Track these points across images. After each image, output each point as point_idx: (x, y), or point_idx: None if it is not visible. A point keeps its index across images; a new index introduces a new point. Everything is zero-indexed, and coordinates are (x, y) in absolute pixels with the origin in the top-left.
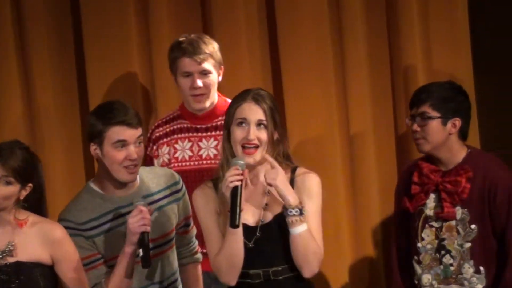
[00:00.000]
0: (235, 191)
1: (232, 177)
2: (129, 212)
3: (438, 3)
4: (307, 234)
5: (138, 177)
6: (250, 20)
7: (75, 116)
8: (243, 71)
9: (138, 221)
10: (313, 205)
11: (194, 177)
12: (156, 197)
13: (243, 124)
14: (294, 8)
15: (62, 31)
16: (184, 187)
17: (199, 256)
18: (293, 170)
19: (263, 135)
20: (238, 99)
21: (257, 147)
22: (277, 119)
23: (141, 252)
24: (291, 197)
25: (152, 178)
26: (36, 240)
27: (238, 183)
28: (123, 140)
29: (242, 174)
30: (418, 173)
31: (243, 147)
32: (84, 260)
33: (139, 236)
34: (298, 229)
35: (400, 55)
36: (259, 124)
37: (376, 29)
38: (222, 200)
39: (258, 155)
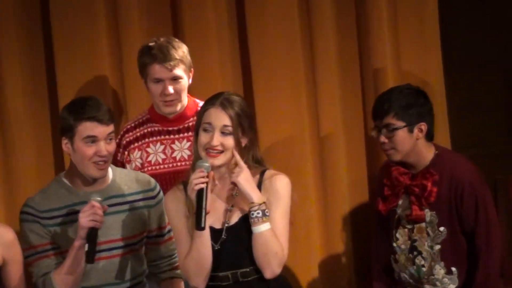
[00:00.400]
0: (200, 193)
1: (197, 180)
2: None
3: (407, 3)
4: (269, 233)
5: (110, 176)
6: (220, 22)
7: (45, 119)
8: (213, 73)
9: (89, 216)
10: (280, 207)
11: (169, 179)
12: (125, 199)
13: (208, 129)
14: (264, 9)
15: (31, 34)
16: (160, 196)
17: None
18: (262, 173)
19: (228, 141)
20: (207, 103)
21: (221, 152)
22: (245, 125)
23: (86, 247)
24: (254, 195)
25: (126, 180)
26: None
27: (203, 186)
28: (93, 136)
29: (207, 177)
30: (388, 176)
31: (207, 151)
32: (38, 247)
33: (87, 231)
34: (260, 228)
35: (369, 56)
36: (223, 130)
37: (345, 30)
38: (190, 203)
39: (221, 159)
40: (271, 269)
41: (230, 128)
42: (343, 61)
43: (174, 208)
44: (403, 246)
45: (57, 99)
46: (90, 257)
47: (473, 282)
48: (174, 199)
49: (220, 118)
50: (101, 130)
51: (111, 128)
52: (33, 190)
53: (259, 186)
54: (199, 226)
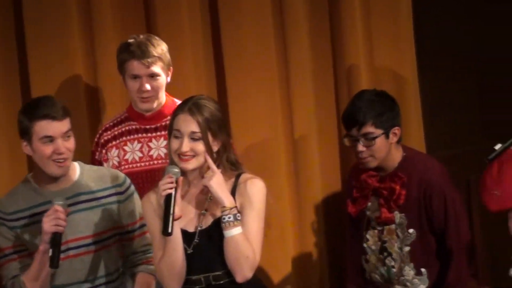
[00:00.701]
0: (168, 199)
1: (164, 185)
2: None
3: (381, 2)
4: (241, 237)
5: (77, 173)
6: (194, 23)
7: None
8: (187, 74)
9: (51, 220)
10: (253, 211)
11: (146, 177)
12: (93, 196)
13: (178, 136)
14: (238, 10)
15: (4, 35)
16: (130, 191)
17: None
18: (238, 176)
19: (198, 146)
20: (177, 109)
21: (193, 156)
22: (215, 129)
23: (50, 251)
24: (226, 199)
25: (94, 177)
26: None
27: (171, 191)
28: (49, 136)
29: (176, 182)
30: (357, 178)
31: (179, 156)
32: (5, 250)
33: (51, 236)
34: (231, 232)
35: (343, 55)
36: (192, 136)
37: (319, 29)
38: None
39: (193, 163)
40: (242, 273)
41: (198, 134)
42: (317, 61)
43: (149, 212)
44: (373, 247)
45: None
46: (54, 262)
47: (445, 282)
48: (149, 202)
49: (188, 124)
50: (56, 126)
51: (66, 124)
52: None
53: (234, 189)
54: (165, 232)
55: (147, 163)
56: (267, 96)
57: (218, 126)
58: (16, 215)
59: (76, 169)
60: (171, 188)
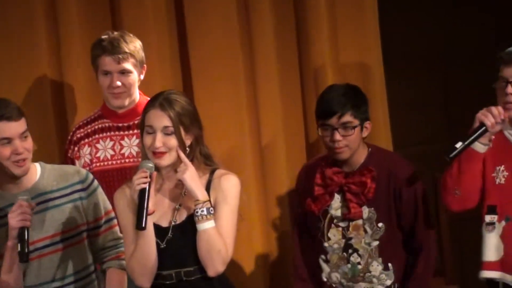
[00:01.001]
0: (141, 193)
1: (138, 180)
2: None
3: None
4: (213, 231)
5: (38, 173)
6: (160, 22)
7: None
8: (153, 71)
9: (17, 215)
10: (228, 206)
11: (117, 176)
12: (54, 194)
13: (150, 131)
14: (203, 6)
15: None
16: (93, 187)
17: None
18: (212, 172)
19: (171, 141)
20: (148, 105)
21: (166, 152)
22: (187, 123)
23: (19, 247)
24: (199, 192)
25: (55, 175)
26: None
27: (145, 186)
28: (7, 138)
29: (150, 177)
30: (321, 175)
31: (153, 152)
32: None
33: (18, 231)
34: (204, 226)
35: (309, 54)
36: (165, 131)
37: (284, 27)
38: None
39: (167, 159)
40: (214, 267)
41: (171, 129)
42: (283, 58)
43: (122, 206)
44: (335, 246)
45: None
46: (24, 256)
47: (413, 274)
48: (122, 197)
49: (160, 119)
50: (13, 127)
51: (23, 124)
52: None
53: (209, 184)
54: (139, 226)
55: (118, 161)
56: (233, 94)
57: (190, 120)
58: None
59: (37, 169)
60: (145, 183)
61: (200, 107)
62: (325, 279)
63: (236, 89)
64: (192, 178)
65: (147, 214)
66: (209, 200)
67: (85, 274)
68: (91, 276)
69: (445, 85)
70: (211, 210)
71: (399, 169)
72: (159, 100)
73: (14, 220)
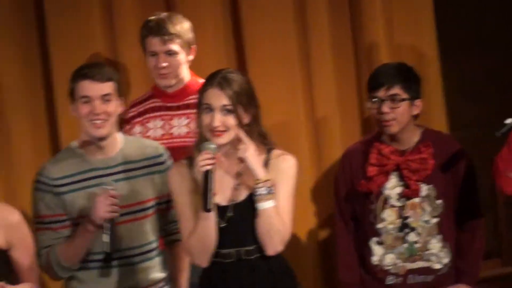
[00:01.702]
0: (206, 175)
1: (203, 161)
2: (104, 175)
3: None
4: (273, 210)
5: (121, 143)
6: (214, 3)
7: (40, 97)
8: (207, 54)
9: (106, 207)
10: (286, 187)
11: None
12: (136, 165)
13: (209, 110)
14: None
15: (24, 8)
16: (169, 163)
17: None
18: (269, 151)
19: (230, 120)
20: (205, 84)
21: (224, 131)
22: (245, 102)
23: (105, 237)
24: (260, 171)
25: (136, 147)
26: None
27: (210, 167)
28: (87, 96)
29: (213, 158)
30: (377, 155)
31: (211, 131)
32: (46, 218)
33: (105, 222)
34: (264, 205)
35: (363, 34)
36: (223, 109)
37: (338, 6)
38: (196, 181)
39: (225, 137)
40: (273, 246)
41: (229, 107)
42: (337, 39)
43: (178, 184)
44: (390, 226)
45: (52, 78)
46: (110, 246)
47: (470, 250)
48: (178, 174)
49: (219, 98)
50: (94, 88)
51: (106, 86)
52: (27, 165)
53: (266, 164)
54: (206, 208)
55: (167, 141)
56: (288, 75)
57: (247, 99)
58: (62, 180)
59: (120, 139)
60: (210, 164)
61: (254, 86)
62: (375, 263)
63: (290, 68)
64: (253, 156)
65: (212, 196)
66: (269, 180)
67: (155, 246)
68: (153, 252)
69: (503, 67)
70: (272, 190)
71: (452, 147)
72: (217, 79)
73: (102, 211)
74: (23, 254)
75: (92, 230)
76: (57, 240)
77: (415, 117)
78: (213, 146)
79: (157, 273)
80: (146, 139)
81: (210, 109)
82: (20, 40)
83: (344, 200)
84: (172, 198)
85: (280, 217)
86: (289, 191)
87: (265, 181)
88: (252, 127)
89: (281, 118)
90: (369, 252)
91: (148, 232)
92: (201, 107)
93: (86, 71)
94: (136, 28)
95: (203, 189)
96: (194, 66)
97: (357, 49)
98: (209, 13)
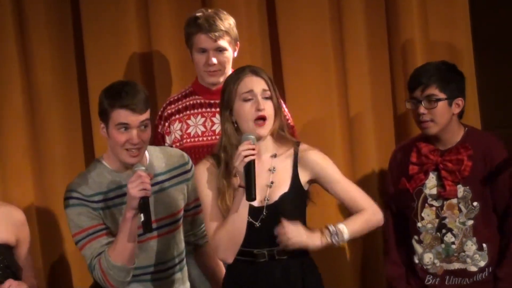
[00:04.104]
0: (248, 165)
1: (246, 152)
2: None
3: None
4: (354, 230)
5: (147, 156)
6: (250, 2)
7: (74, 96)
8: (242, 49)
9: (138, 185)
10: (337, 175)
11: (207, 152)
12: (164, 177)
13: (250, 98)
14: None
15: (60, 7)
16: (193, 169)
17: None
18: (297, 144)
19: (269, 106)
20: (235, 77)
21: (265, 119)
22: (275, 89)
23: (142, 217)
24: (312, 243)
25: (162, 158)
26: (3, 222)
27: (253, 157)
28: (125, 124)
29: (254, 149)
30: (417, 154)
31: (255, 121)
32: (89, 229)
33: (139, 201)
34: (346, 237)
35: (398, 32)
36: (264, 94)
37: (374, 5)
38: (226, 178)
39: (267, 127)
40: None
41: (268, 92)
42: (372, 37)
43: (205, 181)
44: (429, 225)
45: (85, 76)
46: (148, 226)
47: (506, 254)
48: (205, 171)
49: (258, 82)
50: (134, 118)
51: (145, 116)
52: (61, 166)
53: (295, 157)
54: (250, 197)
55: (209, 138)
56: (322, 73)
57: (274, 86)
58: (96, 197)
59: (147, 152)
60: (253, 155)
61: (289, 86)
62: (416, 261)
63: (325, 68)
64: (300, 235)
65: (255, 185)
66: (326, 230)
67: (182, 258)
68: (183, 261)
69: None
70: (337, 235)
71: (495, 150)
72: (247, 69)
73: (135, 190)
74: (26, 251)
75: (130, 216)
76: (105, 247)
77: (460, 116)
78: (252, 137)
79: (186, 283)
80: (170, 148)
81: (251, 96)
82: (55, 37)
83: (392, 197)
84: (199, 203)
85: (356, 219)
86: (341, 176)
87: (326, 238)
88: (281, 117)
89: (315, 116)
90: (411, 250)
91: (180, 242)
92: (237, 98)
93: (125, 101)
94: (172, 25)
95: (246, 178)
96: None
97: (392, 47)
98: (245, 11)
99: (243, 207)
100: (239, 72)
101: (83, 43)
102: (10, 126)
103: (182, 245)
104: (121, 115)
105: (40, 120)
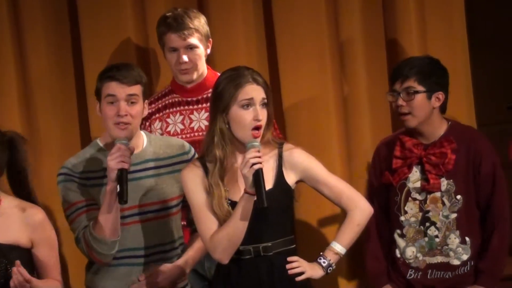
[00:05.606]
0: (258, 173)
1: (254, 159)
2: (128, 172)
3: None
4: (346, 241)
5: (144, 140)
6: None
7: (71, 92)
8: (238, 45)
9: (116, 158)
10: (320, 171)
11: None
12: (161, 162)
13: (249, 106)
14: None
15: (56, 3)
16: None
17: None
18: (280, 145)
19: (265, 114)
20: (235, 82)
21: (260, 128)
22: (271, 93)
23: (118, 188)
24: (317, 274)
25: (162, 145)
26: (16, 223)
27: (261, 166)
28: (112, 95)
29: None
30: (400, 147)
31: (254, 129)
32: (77, 203)
33: (117, 173)
34: (343, 253)
35: (395, 29)
36: (262, 102)
37: (370, 2)
38: (221, 176)
39: (261, 134)
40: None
41: (266, 100)
42: (368, 35)
43: (193, 185)
44: (412, 219)
45: (82, 69)
46: (123, 197)
47: (488, 248)
48: (192, 175)
49: (259, 92)
50: (121, 90)
51: (133, 90)
52: (57, 158)
53: (280, 157)
54: (262, 204)
55: (188, 135)
56: (319, 71)
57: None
58: (86, 174)
59: (144, 137)
60: (260, 162)
61: (285, 83)
62: (398, 255)
63: (322, 64)
64: (312, 270)
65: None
66: (318, 263)
67: (177, 245)
68: (177, 250)
69: None
70: (329, 262)
71: (478, 143)
72: (248, 76)
73: (113, 162)
74: (47, 252)
75: (109, 188)
76: (90, 220)
77: (442, 110)
78: (256, 143)
79: None
80: (172, 137)
81: (250, 104)
82: (52, 33)
83: (375, 191)
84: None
85: (346, 230)
86: (325, 170)
87: (323, 269)
88: (271, 122)
89: (311, 114)
90: (394, 245)
91: (172, 230)
92: (235, 104)
93: (114, 73)
94: None
95: (256, 186)
96: (225, 62)
97: (389, 46)
98: (240, 10)
99: (247, 213)
100: (239, 77)
101: (80, 39)
102: (5, 122)
103: (176, 235)
104: (109, 86)
105: (35, 117)
